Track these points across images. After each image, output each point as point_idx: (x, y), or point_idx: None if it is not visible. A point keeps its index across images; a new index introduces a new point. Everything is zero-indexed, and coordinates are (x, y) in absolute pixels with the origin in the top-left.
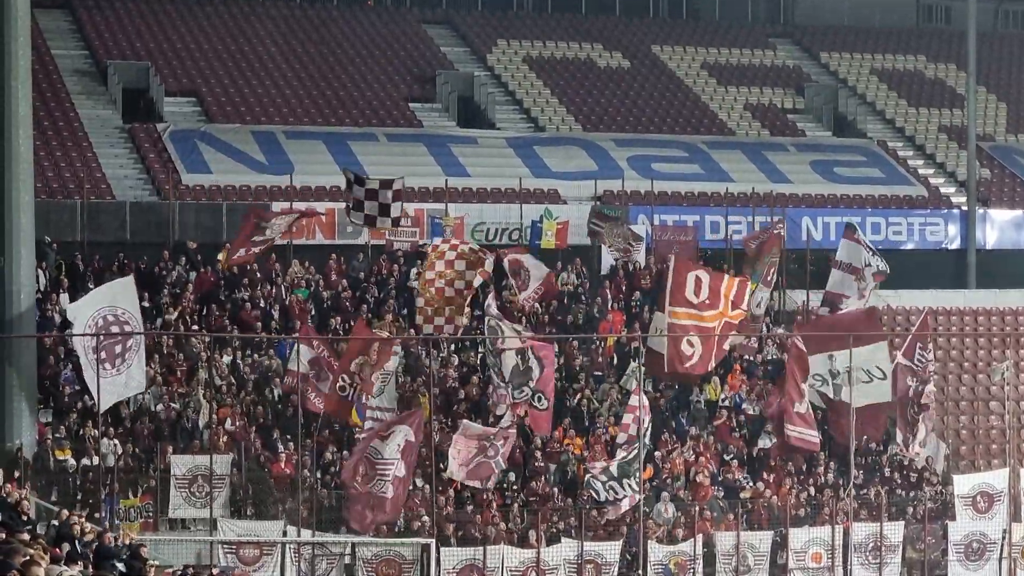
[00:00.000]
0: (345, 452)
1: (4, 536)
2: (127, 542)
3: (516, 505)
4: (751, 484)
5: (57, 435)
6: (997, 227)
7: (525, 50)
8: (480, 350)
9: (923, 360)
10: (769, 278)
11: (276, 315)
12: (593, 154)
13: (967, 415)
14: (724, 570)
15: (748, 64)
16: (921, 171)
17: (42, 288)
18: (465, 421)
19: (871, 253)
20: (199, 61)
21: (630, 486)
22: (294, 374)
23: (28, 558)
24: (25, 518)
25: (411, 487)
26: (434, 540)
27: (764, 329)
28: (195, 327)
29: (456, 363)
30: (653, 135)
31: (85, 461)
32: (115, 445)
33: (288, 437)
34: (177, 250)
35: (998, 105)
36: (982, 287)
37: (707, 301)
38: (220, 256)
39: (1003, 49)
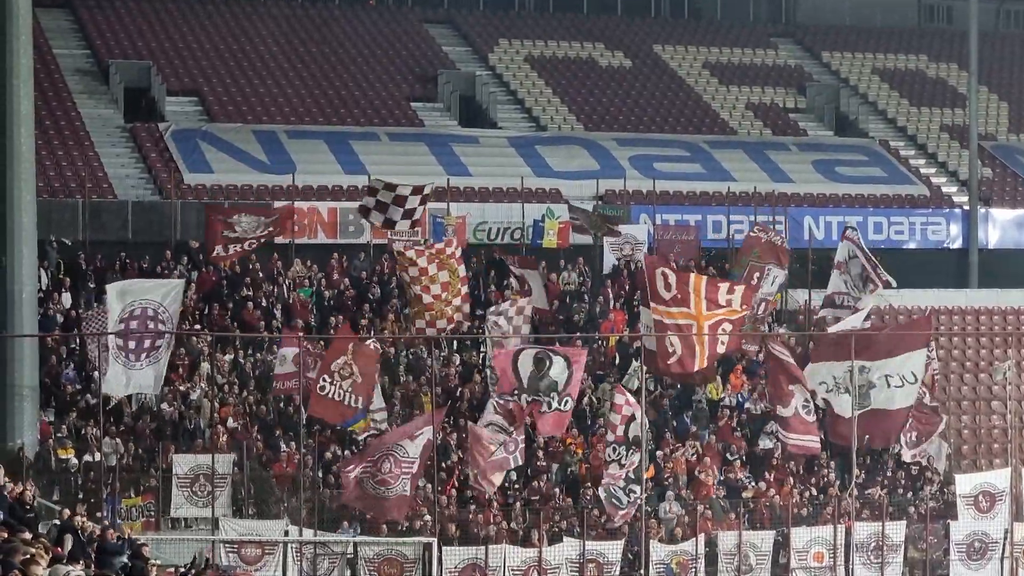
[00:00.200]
0: (347, 452)
1: (6, 535)
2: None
3: (518, 504)
4: (753, 484)
5: (59, 434)
6: (999, 226)
7: (527, 50)
8: (483, 349)
9: (929, 359)
10: (753, 280)
11: (278, 314)
12: (595, 153)
13: (969, 415)
14: (726, 569)
15: (750, 64)
16: (923, 171)
17: (44, 287)
18: (472, 428)
19: (872, 266)
20: (201, 60)
21: (636, 489)
22: (281, 377)
23: (28, 556)
24: (29, 516)
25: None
26: (436, 539)
27: (767, 330)
28: (197, 326)
29: (457, 362)
30: (655, 134)
31: (87, 459)
32: (117, 444)
33: (290, 436)
34: (179, 249)
35: (1000, 105)
36: (984, 287)
37: (677, 296)
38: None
39: (1005, 49)
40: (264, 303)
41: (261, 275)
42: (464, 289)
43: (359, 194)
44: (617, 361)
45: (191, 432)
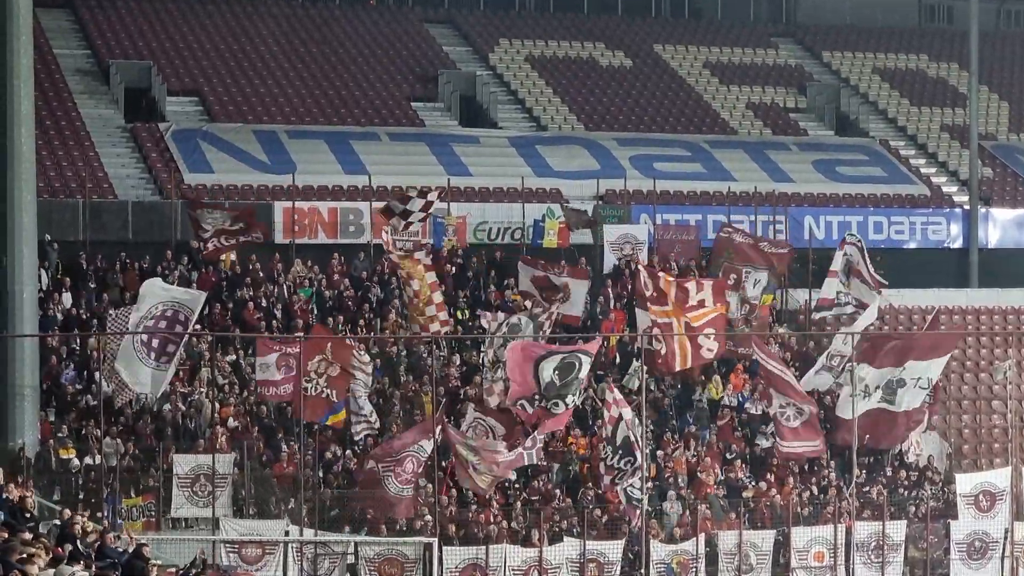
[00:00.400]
0: (347, 452)
1: (6, 535)
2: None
3: (518, 504)
4: (754, 483)
5: (60, 434)
6: (999, 226)
7: (527, 49)
8: (483, 349)
9: None
10: (730, 280)
11: (279, 315)
12: (595, 153)
13: (969, 414)
14: (727, 569)
15: (750, 63)
16: (923, 170)
17: (44, 287)
18: (449, 434)
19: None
20: (201, 60)
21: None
22: (265, 383)
23: (24, 556)
24: (28, 516)
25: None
26: (436, 539)
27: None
28: (198, 326)
29: (458, 362)
30: (655, 134)
31: (88, 460)
32: (117, 444)
33: (290, 436)
34: (179, 250)
35: (1000, 104)
36: (984, 286)
37: (654, 295)
38: (223, 256)
39: (1005, 48)
40: (264, 303)
41: (262, 275)
42: (437, 297)
43: (359, 194)
44: (617, 361)
45: (192, 432)
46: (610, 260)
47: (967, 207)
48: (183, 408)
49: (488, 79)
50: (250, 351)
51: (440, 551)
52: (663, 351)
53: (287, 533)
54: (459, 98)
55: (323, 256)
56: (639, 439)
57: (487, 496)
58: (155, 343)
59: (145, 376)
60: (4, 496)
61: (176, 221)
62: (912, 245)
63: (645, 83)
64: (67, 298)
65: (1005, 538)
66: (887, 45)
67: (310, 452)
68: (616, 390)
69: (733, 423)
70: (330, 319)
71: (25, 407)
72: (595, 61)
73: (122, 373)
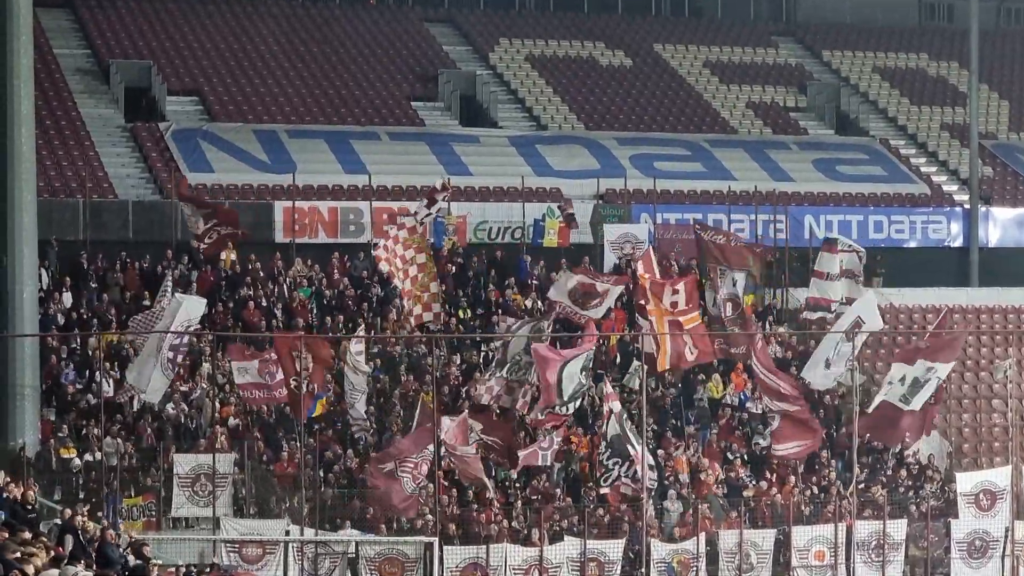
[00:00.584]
0: (348, 451)
1: (7, 535)
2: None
3: (519, 503)
4: (754, 482)
5: (60, 434)
6: (999, 225)
7: (527, 49)
8: (484, 348)
9: None
10: (717, 279)
11: (279, 314)
12: (595, 153)
13: (970, 413)
14: (727, 568)
15: (750, 62)
16: (923, 169)
17: (44, 287)
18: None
19: (849, 251)
20: (201, 60)
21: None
22: (246, 387)
23: (19, 555)
24: (30, 508)
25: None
26: (437, 538)
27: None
28: (197, 326)
29: (458, 361)
30: (655, 133)
31: (89, 457)
32: (118, 443)
33: (291, 436)
34: (180, 249)
35: (1000, 103)
36: (984, 285)
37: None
38: (223, 255)
39: (1005, 47)
40: (264, 303)
41: (262, 274)
42: (434, 287)
43: (359, 194)
44: (618, 360)
45: (192, 432)
46: (610, 259)
47: (967, 206)
48: (184, 408)
49: (488, 78)
50: (250, 350)
51: (441, 550)
52: (656, 351)
53: (288, 533)
54: (459, 97)
55: (323, 255)
56: (630, 432)
57: (487, 495)
58: (178, 359)
59: (157, 384)
60: (4, 495)
61: (176, 221)
62: (912, 244)
63: (645, 82)
64: (67, 298)
65: (1006, 537)
66: (887, 44)
67: (311, 452)
68: (608, 383)
69: (734, 422)
70: (328, 319)
71: (25, 407)
72: (595, 60)
73: (130, 377)
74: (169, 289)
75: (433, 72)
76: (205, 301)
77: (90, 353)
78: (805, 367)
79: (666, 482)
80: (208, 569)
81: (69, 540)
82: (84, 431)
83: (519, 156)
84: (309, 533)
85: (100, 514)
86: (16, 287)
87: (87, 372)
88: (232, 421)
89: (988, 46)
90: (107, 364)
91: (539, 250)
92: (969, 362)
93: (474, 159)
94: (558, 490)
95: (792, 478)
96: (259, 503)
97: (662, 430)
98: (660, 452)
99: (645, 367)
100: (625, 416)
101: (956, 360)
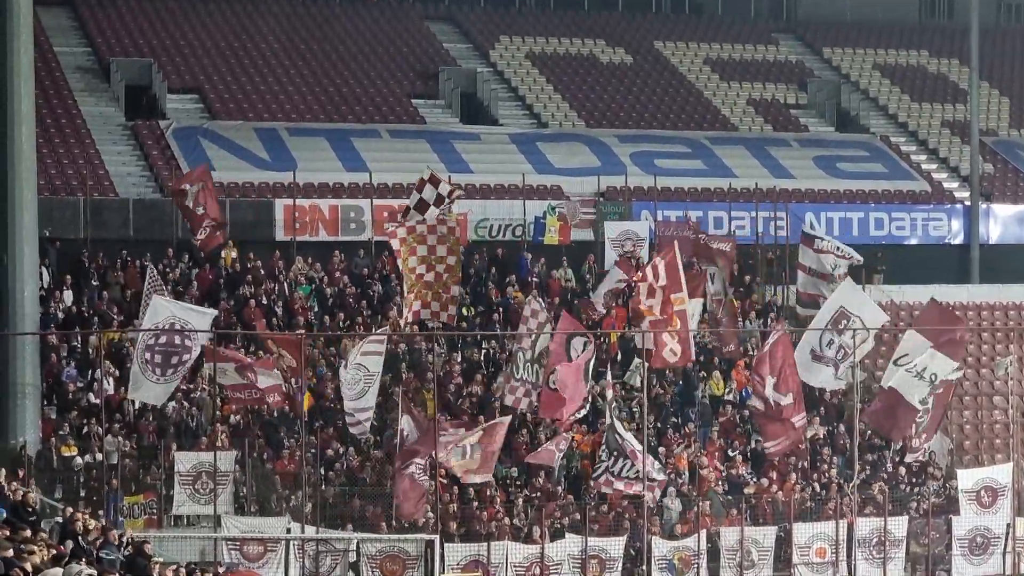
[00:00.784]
0: (350, 448)
1: (8, 533)
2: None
3: (520, 500)
4: (755, 480)
5: (61, 432)
6: (1000, 222)
7: (528, 46)
8: (484, 346)
9: None
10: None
11: (280, 312)
12: (596, 150)
13: (971, 410)
14: (728, 565)
15: (751, 59)
16: (924, 166)
17: (45, 285)
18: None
19: (837, 254)
20: (202, 58)
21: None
22: (233, 388)
23: (11, 552)
24: (31, 509)
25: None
26: (438, 536)
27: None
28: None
29: (459, 359)
30: (656, 131)
31: (89, 458)
32: (119, 442)
33: (292, 433)
34: (180, 247)
35: (1001, 100)
36: (985, 282)
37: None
38: (223, 253)
39: (1006, 44)
40: (265, 301)
41: (262, 272)
42: (455, 290)
43: (360, 191)
44: (619, 358)
45: (193, 430)
46: (611, 257)
47: (968, 203)
48: (185, 406)
49: (489, 76)
50: (251, 348)
51: (442, 548)
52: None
53: (289, 530)
54: (460, 95)
55: (324, 253)
56: (617, 422)
57: (488, 492)
58: (158, 359)
59: (150, 391)
60: (5, 494)
61: (177, 219)
62: (913, 241)
63: (646, 80)
64: (68, 296)
65: (1007, 533)
66: (887, 41)
67: (312, 449)
68: (610, 378)
69: (735, 419)
70: (327, 318)
71: (26, 405)
72: (596, 58)
73: (129, 392)
74: (156, 287)
75: (434, 70)
76: (184, 304)
77: (91, 351)
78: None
79: (668, 479)
80: (209, 567)
81: (70, 539)
82: (85, 429)
83: (520, 153)
84: (310, 531)
85: (101, 512)
86: (17, 285)
87: (88, 370)
88: (233, 419)
89: (988, 43)
90: (108, 362)
91: (540, 247)
92: (970, 359)
93: (475, 156)
94: (559, 487)
95: (793, 475)
96: (260, 501)
97: (663, 427)
98: (661, 449)
99: (646, 364)
100: (614, 405)
101: (959, 359)
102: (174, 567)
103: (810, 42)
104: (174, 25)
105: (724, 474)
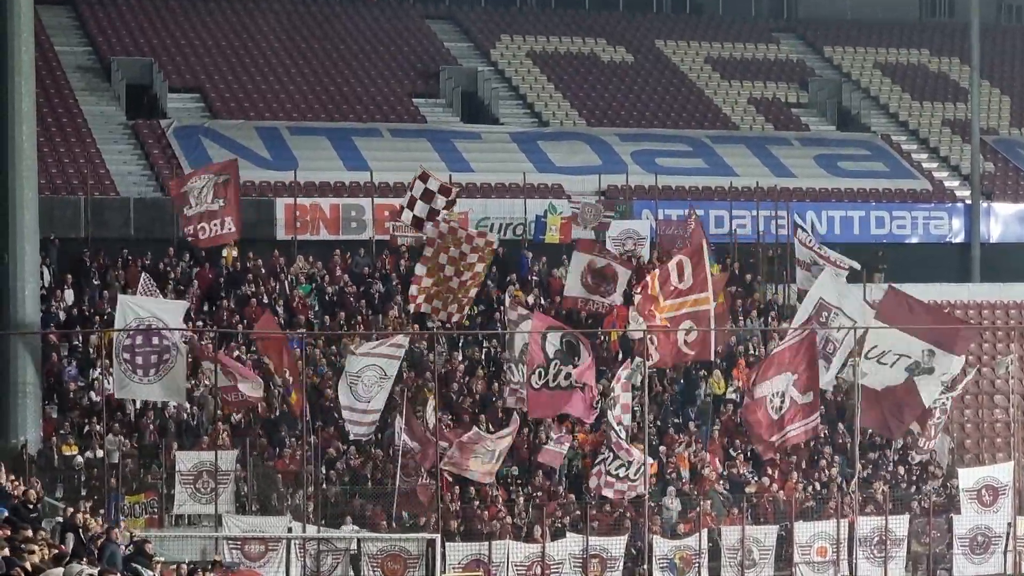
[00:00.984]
0: (350, 448)
1: (9, 533)
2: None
3: (521, 500)
4: (756, 479)
5: (62, 431)
6: (1001, 221)
7: (529, 45)
8: (485, 345)
9: None
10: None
11: (281, 310)
12: (597, 149)
13: (972, 409)
14: (729, 564)
15: (751, 58)
16: (925, 165)
17: (46, 284)
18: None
19: (830, 261)
20: (203, 57)
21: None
22: (227, 390)
23: (7, 551)
24: (31, 508)
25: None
26: (439, 535)
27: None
28: (200, 323)
29: (460, 358)
30: (657, 130)
31: (90, 455)
32: (120, 441)
33: (293, 432)
34: (181, 246)
35: (1001, 99)
36: (986, 281)
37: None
38: (224, 252)
39: (1006, 43)
40: (266, 299)
41: (263, 271)
42: (473, 292)
43: (361, 190)
44: (620, 356)
45: (194, 429)
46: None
47: (969, 202)
48: (186, 405)
49: (489, 75)
50: (252, 348)
51: (443, 547)
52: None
53: (290, 530)
54: (460, 94)
55: (325, 252)
56: (612, 419)
57: (490, 491)
58: (139, 360)
59: (140, 390)
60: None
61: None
62: (914, 240)
63: (646, 78)
64: (69, 295)
65: (1008, 532)
66: (888, 40)
67: (312, 448)
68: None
69: (736, 418)
70: (327, 317)
71: (27, 404)
72: (596, 57)
73: (116, 392)
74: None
75: (434, 69)
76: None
77: (92, 351)
78: None
79: (669, 478)
80: (210, 566)
81: (71, 538)
82: (86, 428)
83: (520, 152)
84: (311, 530)
85: (102, 511)
86: (18, 284)
87: (89, 370)
88: (234, 418)
89: (989, 42)
90: (108, 361)
91: (541, 246)
92: (971, 358)
93: (475, 155)
94: (560, 487)
95: (794, 474)
96: (261, 500)
97: (664, 426)
98: (662, 448)
99: (647, 363)
100: (609, 400)
101: (962, 356)
102: (175, 566)
103: (811, 41)
104: (175, 24)
105: (725, 473)
